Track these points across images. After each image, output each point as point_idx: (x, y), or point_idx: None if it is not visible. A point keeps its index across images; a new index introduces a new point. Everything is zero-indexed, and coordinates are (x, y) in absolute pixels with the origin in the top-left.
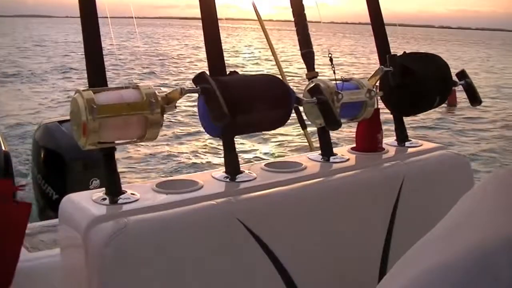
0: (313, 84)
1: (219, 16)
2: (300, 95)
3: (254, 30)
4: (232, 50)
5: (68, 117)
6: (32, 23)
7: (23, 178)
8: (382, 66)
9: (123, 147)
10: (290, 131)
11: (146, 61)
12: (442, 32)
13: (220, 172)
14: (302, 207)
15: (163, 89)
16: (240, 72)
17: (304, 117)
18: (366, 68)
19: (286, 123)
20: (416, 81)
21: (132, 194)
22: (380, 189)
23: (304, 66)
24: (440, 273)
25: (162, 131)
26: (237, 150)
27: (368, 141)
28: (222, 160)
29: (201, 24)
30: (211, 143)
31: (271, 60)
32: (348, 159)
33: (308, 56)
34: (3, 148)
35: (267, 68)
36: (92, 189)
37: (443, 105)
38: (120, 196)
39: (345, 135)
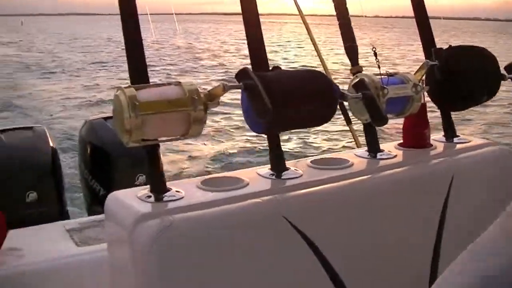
0: (358, 79)
1: (260, 11)
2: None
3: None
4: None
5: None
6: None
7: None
8: (428, 60)
9: None
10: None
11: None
12: (492, 25)
13: (266, 169)
14: (349, 204)
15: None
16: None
17: (350, 114)
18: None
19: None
20: (463, 75)
21: (177, 191)
22: (429, 187)
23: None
24: (496, 278)
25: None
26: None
27: (415, 137)
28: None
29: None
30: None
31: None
32: (395, 156)
33: (351, 50)
34: (50, 144)
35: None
36: (138, 185)
37: None
38: (165, 194)
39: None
